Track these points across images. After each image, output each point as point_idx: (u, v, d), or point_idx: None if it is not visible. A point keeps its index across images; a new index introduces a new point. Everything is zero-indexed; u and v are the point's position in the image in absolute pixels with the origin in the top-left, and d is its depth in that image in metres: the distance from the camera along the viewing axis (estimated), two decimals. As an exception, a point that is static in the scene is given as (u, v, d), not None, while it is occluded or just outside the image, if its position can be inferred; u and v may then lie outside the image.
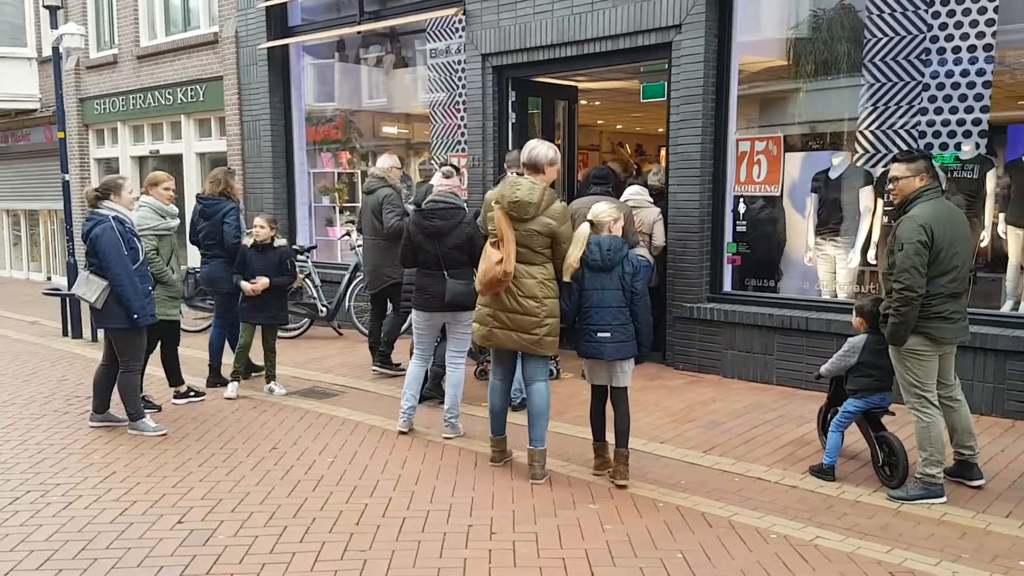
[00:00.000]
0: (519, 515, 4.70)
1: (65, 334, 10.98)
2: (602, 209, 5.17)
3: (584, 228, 5.07)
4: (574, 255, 5.01)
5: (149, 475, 5.43)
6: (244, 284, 7.26)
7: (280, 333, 10.30)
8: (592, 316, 5.04)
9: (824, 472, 5.24)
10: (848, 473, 5.30)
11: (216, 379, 7.82)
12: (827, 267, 7.62)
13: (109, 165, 15.71)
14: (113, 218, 6.17)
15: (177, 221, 7.37)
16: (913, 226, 4.67)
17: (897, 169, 4.89)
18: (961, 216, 4.94)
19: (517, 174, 5.59)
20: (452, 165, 7.85)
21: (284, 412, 6.94)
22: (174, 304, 7.18)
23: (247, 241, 7.45)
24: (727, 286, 7.96)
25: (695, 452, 5.78)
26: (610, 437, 5.26)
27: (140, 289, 6.14)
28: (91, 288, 6.12)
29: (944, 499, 4.85)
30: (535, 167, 5.21)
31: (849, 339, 5.33)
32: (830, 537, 4.41)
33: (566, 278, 5.04)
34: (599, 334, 5.00)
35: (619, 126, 16.60)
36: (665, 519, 4.64)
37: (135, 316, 6.12)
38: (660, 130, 17.01)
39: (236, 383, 7.48)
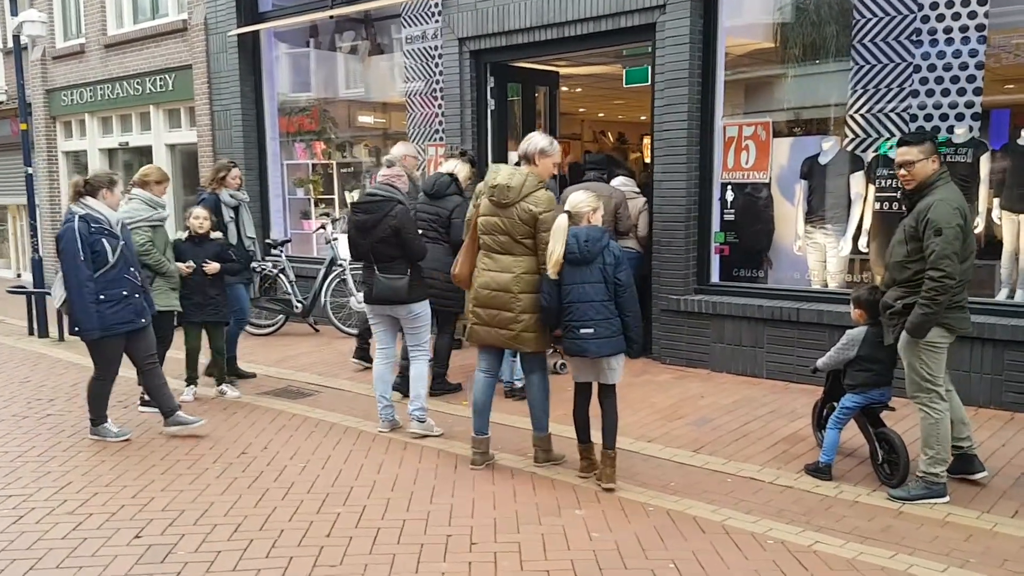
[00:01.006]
0: (501, 523, 4.42)
1: (31, 333, 10.62)
2: (580, 199, 4.90)
3: (562, 220, 4.79)
4: (557, 251, 4.73)
5: (108, 485, 5.11)
6: (180, 265, 6.78)
7: (253, 330, 10.06)
8: (574, 312, 4.77)
9: (820, 471, 5.00)
10: (845, 472, 5.07)
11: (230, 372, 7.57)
12: (817, 256, 7.38)
13: (77, 158, 15.29)
14: (81, 217, 5.74)
15: (168, 212, 7.11)
16: (949, 209, 4.38)
17: (909, 153, 4.57)
18: (965, 201, 4.66)
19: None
20: (464, 151, 7.85)
21: (255, 414, 6.64)
22: (177, 295, 6.81)
23: (182, 234, 7.11)
24: (715, 277, 7.71)
25: (684, 451, 5.53)
26: (596, 437, 5.00)
27: (87, 299, 5.64)
28: (57, 291, 5.84)
29: (947, 499, 4.62)
30: (527, 158, 5.09)
31: (848, 331, 5.08)
32: (830, 542, 4.17)
33: (551, 274, 4.78)
34: (582, 330, 4.75)
35: (601, 114, 16.32)
36: (655, 524, 4.38)
37: (75, 328, 5.76)
38: (643, 118, 16.91)
39: (193, 387, 7.13)
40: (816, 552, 4.07)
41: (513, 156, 9.36)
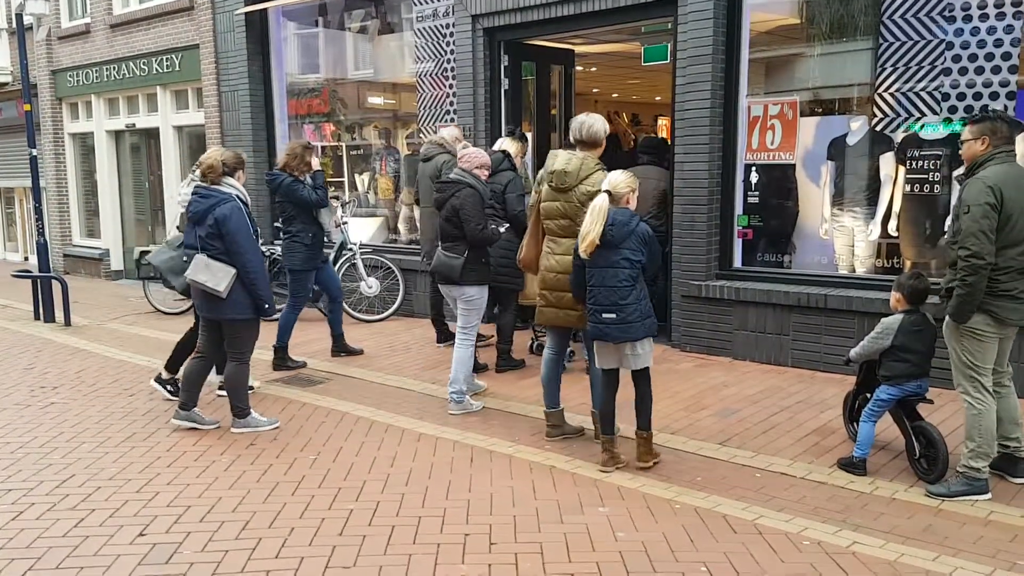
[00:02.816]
0: (521, 522, 4.21)
1: (37, 318, 10.44)
2: (620, 179, 4.78)
3: (603, 199, 4.69)
4: (595, 231, 4.61)
5: (111, 478, 4.92)
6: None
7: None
8: (597, 295, 4.72)
9: (855, 466, 4.77)
10: (879, 466, 4.84)
11: (282, 362, 7.46)
12: (845, 240, 7.11)
13: (84, 140, 15.08)
14: (238, 197, 5.62)
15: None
16: (981, 187, 4.22)
17: (964, 132, 4.46)
18: None
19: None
20: (512, 130, 7.94)
21: (265, 403, 6.44)
22: None
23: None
24: (737, 262, 7.45)
25: (710, 444, 5.31)
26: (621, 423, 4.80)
27: (267, 277, 5.69)
28: (215, 276, 5.43)
29: (989, 495, 4.40)
30: (583, 141, 5.15)
31: (883, 319, 4.83)
32: (868, 543, 3.94)
33: (583, 255, 4.71)
34: (604, 315, 4.69)
35: (615, 95, 16.02)
36: (683, 524, 4.17)
37: (267, 306, 5.64)
38: (658, 98, 16.70)
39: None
40: (855, 554, 3.85)
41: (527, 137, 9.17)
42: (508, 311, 7.09)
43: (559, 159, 5.09)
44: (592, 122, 5.14)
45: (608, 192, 4.71)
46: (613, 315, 4.65)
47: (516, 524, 4.18)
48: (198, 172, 5.73)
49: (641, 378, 4.84)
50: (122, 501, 4.57)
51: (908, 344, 4.67)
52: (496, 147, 7.28)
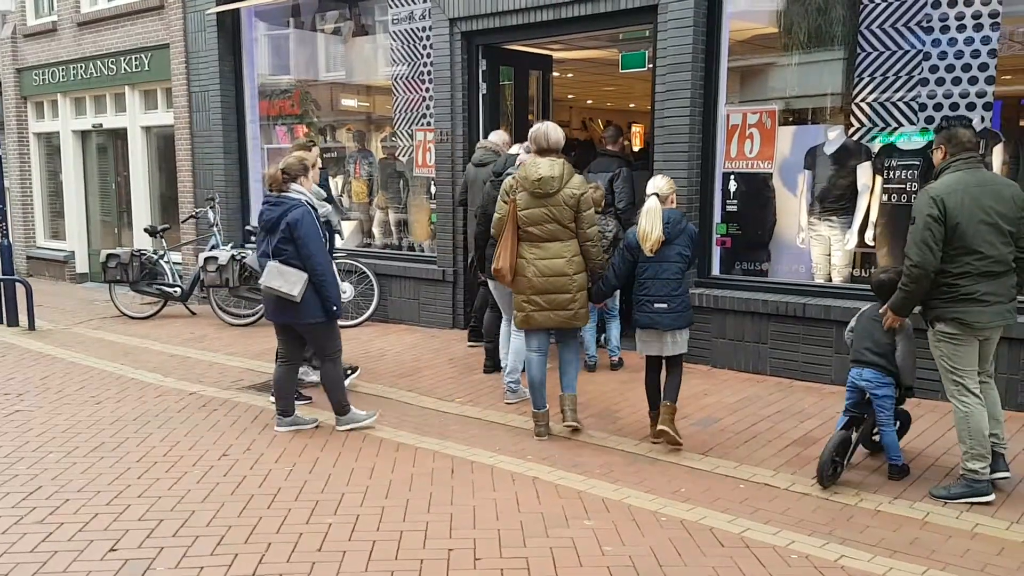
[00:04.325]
0: (506, 535, 4.13)
1: (0, 322, 10.17)
2: (662, 183, 5.30)
3: (655, 202, 5.16)
4: (658, 230, 5.08)
5: (80, 489, 4.76)
6: None
7: (233, 321, 9.73)
8: (649, 288, 5.18)
9: (901, 471, 4.80)
10: (863, 478, 4.82)
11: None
12: (821, 249, 7.11)
13: (49, 140, 14.76)
14: (308, 202, 5.66)
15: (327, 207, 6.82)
16: (925, 198, 4.38)
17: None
18: (997, 189, 4.41)
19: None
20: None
21: (236, 411, 6.30)
22: None
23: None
24: (715, 270, 7.43)
25: (693, 454, 5.26)
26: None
27: (337, 280, 5.84)
28: (289, 280, 5.44)
29: (992, 497, 4.46)
30: (553, 149, 5.43)
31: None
32: (857, 556, 3.91)
33: (648, 252, 5.13)
34: (656, 305, 5.15)
35: (589, 101, 16.02)
36: (670, 537, 4.11)
37: (335, 308, 5.66)
38: (632, 105, 16.73)
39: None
40: (844, 568, 3.81)
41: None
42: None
43: (542, 166, 5.29)
44: (551, 130, 5.47)
45: (655, 195, 5.16)
46: (665, 305, 5.13)
47: (501, 538, 4.09)
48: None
49: (675, 364, 5.33)
50: (91, 514, 4.42)
51: (860, 331, 4.85)
52: (512, 151, 7.06)
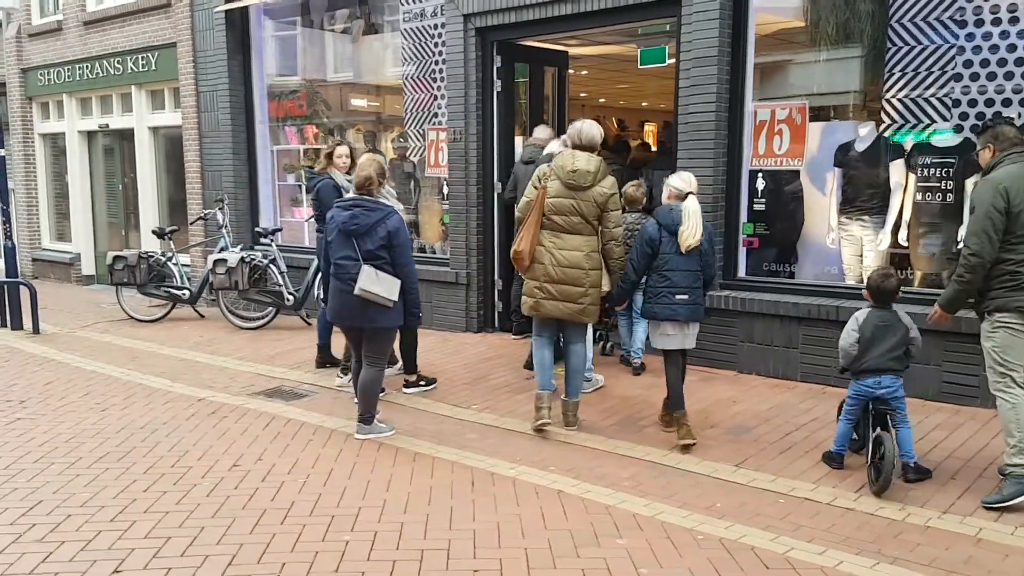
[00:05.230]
0: (534, 556, 3.87)
1: (3, 326, 9.96)
2: (695, 180, 5.44)
3: (695, 203, 5.27)
4: (699, 228, 5.21)
5: (83, 504, 4.53)
6: None
7: (242, 324, 9.51)
8: (672, 279, 5.25)
9: (831, 459, 4.91)
10: (908, 490, 4.56)
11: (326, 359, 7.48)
12: (853, 250, 6.84)
13: (55, 141, 14.57)
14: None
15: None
16: (988, 187, 4.36)
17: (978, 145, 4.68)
18: None
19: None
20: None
21: (247, 418, 6.07)
22: None
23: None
24: (742, 271, 7.17)
25: (725, 465, 5.01)
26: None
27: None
28: (387, 286, 5.44)
29: None
30: (591, 147, 5.47)
31: (855, 313, 4.89)
32: (910, 578, 3.66)
33: (686, 250, 5.22)
34: (678, 296, 5.23)
35: (602, 99, 15.77)
36: (710, 557, 3.86)
37: (420, 314, 5.77)
38: (644, 104, 16.45)
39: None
40: (898, 591, 3.56)
41: (518, 141, 8.85)
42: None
43: (579, 159, 5.34)
44: (588, 128, 5.52)
45: (692, 193, 5.29)
46: (686, 296, 5.22)
47: (528, 558, 3.84)
48: None
49: (684, 361, 5.47)
50: (95, 531, 4.18)
51: (870, 339, 4.70)
52: (548, 149, 6.85)
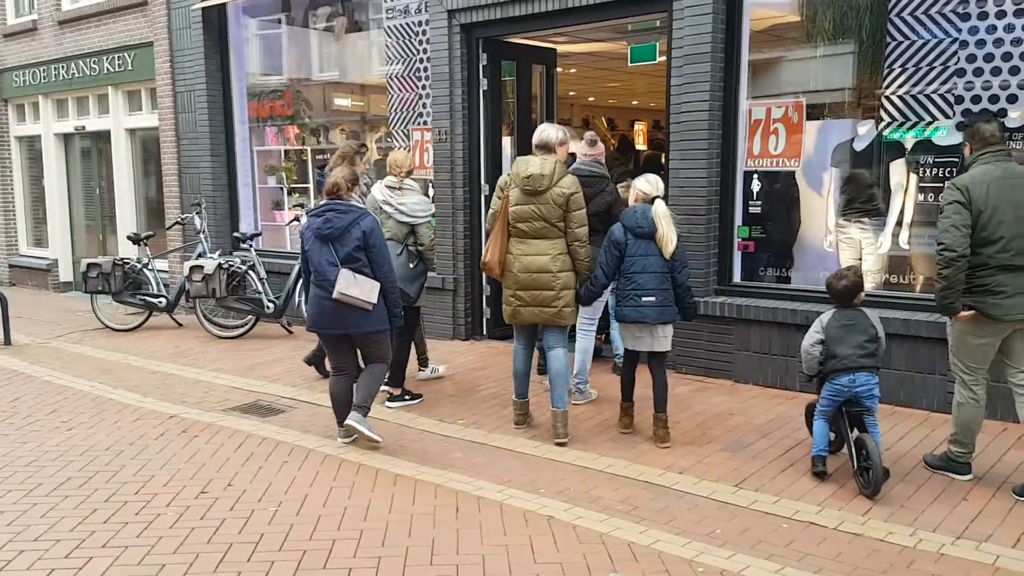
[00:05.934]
0: (521, 593, 3.60)
1: (-25, 336, 9.61)
2: (661, 184, 5.44)
3: (663, 205, 5.29)
4: (674, 231, 5.21)
5: (37, 539, 4.21)
6: None
7: (220, 333, 9.20)
8: (637, 282, 5.23)
9: (813, 463, 4.80)
10: (919, 513, 4.29)
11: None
12: (851, 253, 6.58)
13: (31, 144, 14.21)
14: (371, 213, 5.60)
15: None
16: (952, 187, 4.46)
17: None
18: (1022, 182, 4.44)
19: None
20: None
21: (219, 438, 5.76)
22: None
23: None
24: (737, 277, 6.90)
25: (724, 486, 4.72)
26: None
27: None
28: (365, 289, 5.32)
29: (969, 476, 4.66)
30: (547, 147, 5.48)
31: (818, 316, 4.88)
32: (927, 615, 3.39)
33: (668, 255, 5.22)
34: (644, 299, 5.21)
35: (591, 98, 15.48)
36: (710, 593, 3.58)
37: (403, 315, 5.66)
38: (634, 103, 16.17)
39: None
40: (915, 631, 3.29)
41: (506, 141, 8.59)
42: None
43: (532, 164, 5.36)
44: (542, 130, 5.57)
45: (660, 197, 5.33)
46: (653, 298, 5.20)
47: (515, 597, 3.56)
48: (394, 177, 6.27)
49: (660, 363, 5.41)
50: (46, 570, 3.87)
51: (836, 339, 4.66)
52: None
